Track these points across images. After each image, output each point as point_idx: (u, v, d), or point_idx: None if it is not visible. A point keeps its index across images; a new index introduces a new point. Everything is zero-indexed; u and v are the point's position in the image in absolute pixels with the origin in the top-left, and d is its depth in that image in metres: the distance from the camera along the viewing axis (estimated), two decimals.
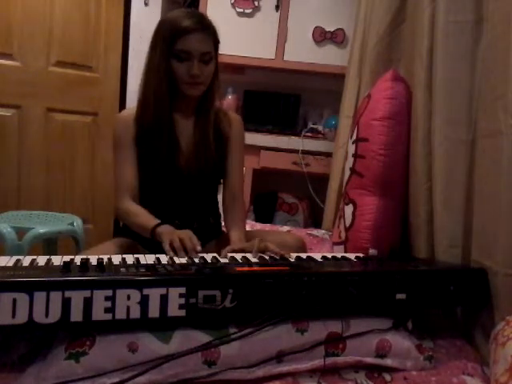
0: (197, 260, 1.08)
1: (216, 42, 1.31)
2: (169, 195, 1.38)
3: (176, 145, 1.34)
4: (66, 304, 0.82)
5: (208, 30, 1.27)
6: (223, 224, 1.57)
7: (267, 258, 1.15)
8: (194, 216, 1.42)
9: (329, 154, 2.44)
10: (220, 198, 1.51)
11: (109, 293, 0.84)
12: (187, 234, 1.16)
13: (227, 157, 1.42)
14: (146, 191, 1.39)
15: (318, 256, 1.21)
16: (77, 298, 0.82)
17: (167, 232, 1.18)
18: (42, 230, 1.74)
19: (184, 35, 1.23)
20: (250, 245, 1.21)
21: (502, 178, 1.06)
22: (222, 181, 1.45)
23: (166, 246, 1.13)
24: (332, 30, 2.58)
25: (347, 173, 1.65)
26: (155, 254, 1.12)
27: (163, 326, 0.89)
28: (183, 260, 1.08)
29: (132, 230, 1.31)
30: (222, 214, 1.47)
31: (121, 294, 0.84)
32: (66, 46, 2.50)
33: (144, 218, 1.27)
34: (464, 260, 1.25)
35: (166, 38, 1.25)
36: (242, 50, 2.52)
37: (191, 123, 1.38)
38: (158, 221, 1.23)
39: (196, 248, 1.12)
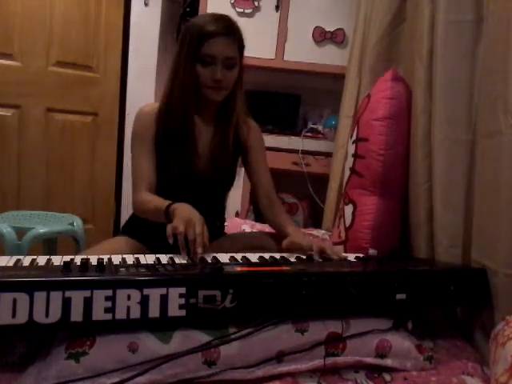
0: (197, 260, 1.08)
1: (241, 47, 1.30)
2: (180, 197, 1.37)
3: (193, 148, 1.34)
4: (66, 304, 0.81)
5: (234, 35, 1.27)
6: (222, 225, 1.57)
7: (267, 257, 1.15)
8: None
9: (329, 154, 2.44)
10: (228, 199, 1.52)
11: (109, 293, 0.84)
12: (194, 224, 1.09)
13: (254, 165, 1.43)
14: (158, 190, 1.39)
15: None
16: (77, 298, 0.82)
17: (180, 209, 1.14)
18: (42, 230, 1.74)
19: (209, 39, 1.23)
20: (308, 243, 1.20)
21: (501, 177, 1.06)
22: (251, 187, 1.46)
23: (168, 229, 1.09)
24: (332, 30, 2.58)
25: (347, 173, 1.65)
26: (156, 253, 1.11)
27: (163, 326, 0.89)
28: (183, 260, 1.08)
29: (149, 219, 1.27)
30: (226, 217, 1.48)
31: (121, 293, 0.84)
32: (66, 46, 2.51)
33: (158, 201, 1.23)
34: (464, 260, 1.25)
35: (191, 42, 1.24)
36: None
37: (211, 128, 1.38)
38: (169, 201, 1.19)
39: (198, 241, 1.07)
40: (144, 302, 0.85)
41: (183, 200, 1.37)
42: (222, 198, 1.50)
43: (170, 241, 1.08)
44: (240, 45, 1.30)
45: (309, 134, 2.65)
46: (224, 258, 1.12)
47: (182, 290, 0.88)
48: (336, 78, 2.44)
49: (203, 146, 1.36)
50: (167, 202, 1.18)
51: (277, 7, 2.59)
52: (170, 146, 1.32)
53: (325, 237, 1.95)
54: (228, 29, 1.26)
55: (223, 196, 1.49)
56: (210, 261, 1.08)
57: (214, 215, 1.48)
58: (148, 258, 1.07)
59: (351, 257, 1.27)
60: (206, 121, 1.37)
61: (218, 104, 1.35)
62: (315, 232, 2.02)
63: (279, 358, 0.94)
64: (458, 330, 1.22)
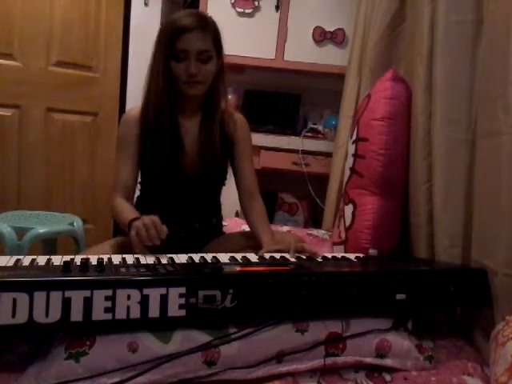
0: (196, 259, 1.08)
1: (217, 41, 1.30)
2: (172, 195, 1.38)
3: (180, 146, 1.34)
4: (66, 304, 0.82)
5: (206, 28, 1.26)
6: (220, 224, 1.56)
7: (267, 257, 1.15)
8: (196, 216, 1.42)
9: (329, 154, 2.44)
10: (225, 198, 1.51)
11: (109, 293, 0.84)
12: (151, 221, 1.12)
13: (238, 159, 1.42)
14: (150, 191, 1.39)
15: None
16: (77, 297, 0.82)
17: (137, 221, 1.15)
18: (41, 230, 1.74)
19: (181, 34, 1.23)
20: (286, 245, 1.21)
21: (501, 178, 1.06)
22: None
23: (133, 238, 1.11)
24: (332, 29, 2.59)
25: (347, 173, 1.65)
26: (155, 253, 1.11)
27: (163, 326, 0.89)
28: (183, 260, 1.08)
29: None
30: (236, 213, 1.46)
31: (121, 293, 0.84)
32: (66, 46, 2.51)
33: (126, 213, 1.24)
34: (464, 260, 1.25)
35: (165, 39, 1.25)
36: (242, 50, 2.52)
37: (196, 124, 1.38)
38: (137, 215, 1.20)
39: (160, 235, 1.09)
40: (144, 302, 0.85)
41: (175, 198, 1.37)
42: (215, 195, 1.49)
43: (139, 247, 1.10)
44: (215, 38, 1.30)
45: (309, 134, 2.65)
46: (224, 257, 1.12)
47: (182, 290, 0.88)
48: (336, 78, 2.43)
49: (191, 143, 1.36)
50: (130, 218, 1.18)
51: (277, 7, 2.59)
52: (154, 145, 1.32)
53: (325, 237, 1.95)
54: (199, 22, 1.25)
55: (216, 193, 1.49)
56: (209, 261, 1.08)
57: (208, 213, 1.48)
58: (148, 258, 1.07)
59: (351, 257, 1.27)
60: (190, 118, 1.37)
61: (199, 100, 1.35)
62: (315, 232, 2.01)
63: (279, 358, 0.94)
64: (458, 330, 1.22)
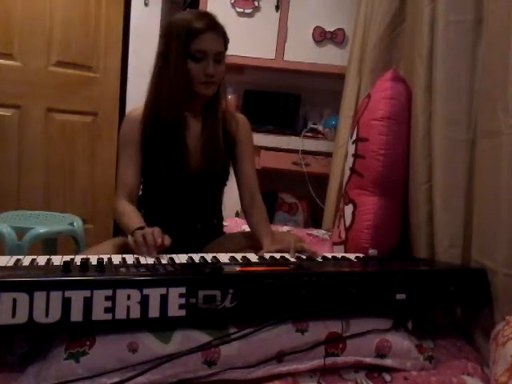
0: (196, 259, 1.08)
1: (226, 42, 1.32)
2: (175, 195, 1.38)
3: (184, 145, 1.34)
4: (66, 304, 0.82)
5: (220, 30, 1.29)
6: (220, 224, 1.56)
7: (267, 257, 1.15)
8: (198, 216, 1.42)
9: (329, 154, 2.44)
10: (225, 198, 1.51)
11: (109, 293, 0.84)
12: (151, 230, 1.13)
13: (239, 159, 1.43)
14: (152, 191, 1.38)
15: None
16: (77, 297, 0.82)
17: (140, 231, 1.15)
18: (41, 230, 1.74)
19: (199, 35, 1.24)
20: (286, 245, 1.21)
21: (501, 178, 1.06)
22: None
23: (132, 245, 1.12)
24: (332, 29, 2.59)
25: (347, 173, 1.65)
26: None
27: (163, 326, 0.89)
28: (183, 260, 1.08)
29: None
30: (240, 213, 1.45)
31: (121, 293, 0.84)
32: (66, 46, 2.51)
33: (129, 218, 1.24)
34: (464, 260, 1.25)
35: (180, 39, 1.25)
36: (242, 50, 2.52)
37: (199, 123, 1.38)
38: (140, 224, 1.20)
39: (157, 243, 1.09)
40: (144, 302, 0.85)
41: (177, 198, 1.37)
42: (217, 195, 1.49)
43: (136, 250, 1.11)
44: (225, 39, 1.32)
45: (309, 134, 2.65)
46: (224, 257, 1.12)
47: (182, 290, 0.88)
48: (336, 78, 2.43)
49: (193, 141, 1.36)
50: (135, 226, 1.19)
51: (277, 7, 2.59)
52: (160, 144, 1.32)
53: (325, 237, 1.95)
54: (214, 24, 1.28)
55: (218, 193, 1.49)
56: (209, 261, 1.08)
57: (210, 213, 1.48)
58: (148, 258, 1.07)
59: (351, 257, 1.27)
60: (194, 117, 1.37)
61: (206, 100, 1.36)
62: (315, 232, 2.02)
63: (279, 357, 0.93)
64: (458, 330, 1.22)
